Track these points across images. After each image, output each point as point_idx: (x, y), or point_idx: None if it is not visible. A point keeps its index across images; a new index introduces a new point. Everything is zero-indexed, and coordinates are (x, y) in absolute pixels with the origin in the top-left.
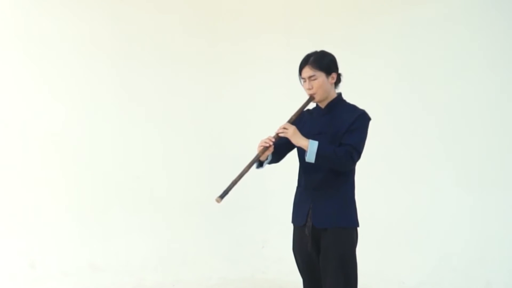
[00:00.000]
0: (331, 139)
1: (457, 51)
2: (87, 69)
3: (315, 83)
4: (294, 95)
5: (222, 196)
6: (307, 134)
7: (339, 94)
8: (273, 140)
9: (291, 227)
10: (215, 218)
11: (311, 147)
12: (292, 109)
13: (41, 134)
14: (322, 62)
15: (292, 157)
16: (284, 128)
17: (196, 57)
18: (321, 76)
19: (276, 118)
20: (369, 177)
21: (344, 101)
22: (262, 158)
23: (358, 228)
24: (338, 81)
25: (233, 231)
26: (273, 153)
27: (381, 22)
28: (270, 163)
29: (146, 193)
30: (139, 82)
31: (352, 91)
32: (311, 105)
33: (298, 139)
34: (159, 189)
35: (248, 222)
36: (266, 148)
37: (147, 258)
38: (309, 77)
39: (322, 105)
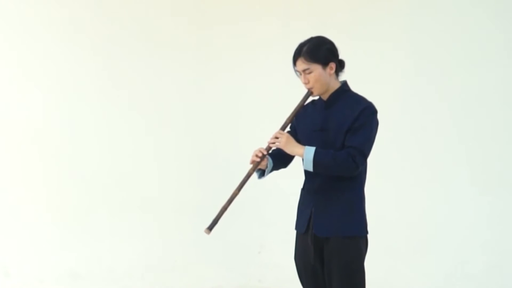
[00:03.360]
0: (333, 136)
1: (475, 35)
2: (67, 55)
3: (311, 77)
4: (293, 83)
5: (210, 227)
6: (309, 131)
7: (343, 84)
8: (264, 152)
9: (290, 230)
10: (208, 221)
11: (307, 155)
12: (291, 99)
13: (18, 128)
14: (317, 53)
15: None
16: (276, 138)
17: (185, 42)
18: (316, 68)
19: (273, 110)
20: (376, 176)
21: (349, 91)
22: (261, 166)
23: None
24: (340, 68)
25: (227, 235)
26: (277, 160)
27: (391, 3)
28: (275, 170)
29: (132, 192)
30: (125, 70)
31: (358, 80)
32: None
33: (293, 148)
34: (147, 189)
35: (243, 225)
36: (257, 164)
37: (133, 265)
38: (304, 71)
39: (324, 97)
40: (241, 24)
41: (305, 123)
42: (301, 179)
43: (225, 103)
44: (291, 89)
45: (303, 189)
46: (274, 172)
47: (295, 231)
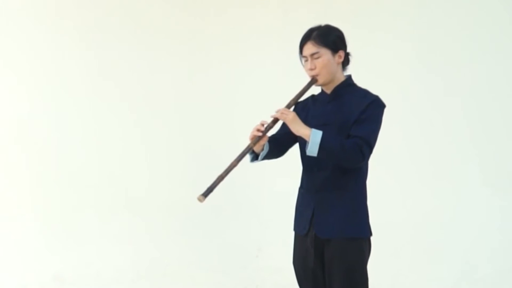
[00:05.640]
0: (338, 130)
1: (486, 26)
2: (53, 46)
3: (319, 62)
4: (292, 76)
5: (205, 194)
6: (311, 126)
7: (348, 77)
8: (267, 127)
9: (289, 232)
10: (202, 223)
11: (314, 137)
12: (290, 92)
13: (0, 124)
14: (328, 38)
15: (292, 149)
16: (282, 113)
17: (177, 31)
18: (325, 53)
19: (271, 104)
20: (382, 175)
21: (354, 85)
22: (256, 149)
23: (371, 237)
24: (346, 61)
25: (223, 238)
26: (274, 146)
27: None
28: (269, 158)
29: (121, 192)
30: (113, 61)
31: (362, 73)
32: (316, 90)
33: (299, 127)
34: (137, 188)
35: (240, 227)
36: (259, 138)
37: (123, 269)
38: (312, 55)
39: (328, 90)
40: (237, 12)
41: (305, 119)
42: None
43: (220, 97)
44: (290, 82)
45: (301, 188)
46: (273, 171)
47: (293, 233)
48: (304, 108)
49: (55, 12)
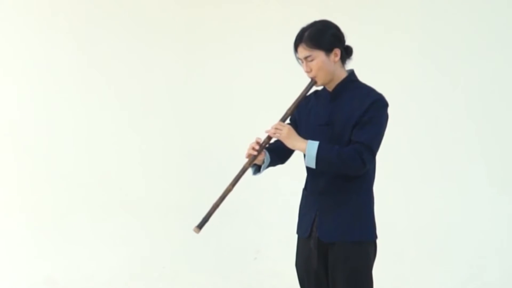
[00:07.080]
0: (340, 131)
1: (494, 20)
2: (44, 41)
3: (313, 65)
4: (292, 72)
5: (200, 225)
6: (313, 125)
7: (351, 73)
8: (263, 144)
9: (288, 234)
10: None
11: (310, 150)
12: (289, 90)
13: None
14: (320, 38)
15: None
16: (277, 129)
17: (172, 25)
18: (319, 55)
19: (270, 102)
20: (384, 175)
21: (357, 81)
22: (257, 161)
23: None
24: (347, 55)
25: (220, 240)
26: (275, 155)
27: None
28: (272, 165)
29: (115, 193)
30: (105, 58)
31: (363, 69)
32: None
33: (294, 142)
34: (131, 189)
35: (238, 228)
36: (254, 157)
37: (116, 272)
38: (305, 58)
39: (330, 88)
40: (234, 6)
41: (308, 117)
42: (301, 178)
43: (216, 95)
44: (290, 79)
45: (305, 189)
46: (272, 170)
47: (294, 235)
48: (307, 105)
49: (48, 10)
